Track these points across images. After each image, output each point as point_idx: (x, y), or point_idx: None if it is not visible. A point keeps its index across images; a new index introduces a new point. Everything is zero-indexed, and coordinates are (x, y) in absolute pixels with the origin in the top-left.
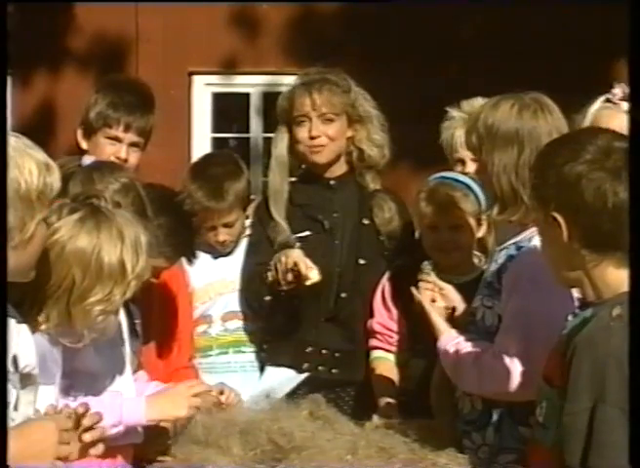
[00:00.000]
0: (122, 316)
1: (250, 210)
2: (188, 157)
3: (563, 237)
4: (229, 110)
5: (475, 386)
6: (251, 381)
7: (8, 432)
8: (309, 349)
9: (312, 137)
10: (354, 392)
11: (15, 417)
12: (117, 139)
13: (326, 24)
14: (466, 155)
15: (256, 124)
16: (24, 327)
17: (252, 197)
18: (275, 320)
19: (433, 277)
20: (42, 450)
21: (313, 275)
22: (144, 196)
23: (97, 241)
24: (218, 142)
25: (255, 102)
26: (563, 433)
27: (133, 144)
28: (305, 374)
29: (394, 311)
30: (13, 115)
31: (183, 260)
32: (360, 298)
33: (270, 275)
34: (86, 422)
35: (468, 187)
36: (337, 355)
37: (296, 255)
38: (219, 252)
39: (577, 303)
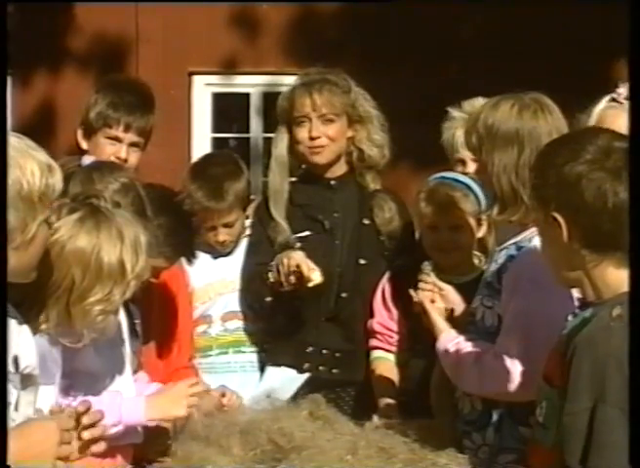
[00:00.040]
0: (122, 316)
1: (250, 210)
2: (188, 157)
3: (563, 237)
4: (229, 110)
5: (476, 386)
6: (251, 381)
7: (8, 432)
8: (310, 349)
9: (312, 138)
10: (354, 392)
11: (15, 418)
12: (117, 139)
13: (326, 24)
14: (467, 155)
15: (256, 124)
16: (26, 328)
17: (252, 197)
18: (276, 320)
19: (433, 277)
20: (43, 451)
21: (316, 277)
22: (144, 196)
23: (96, 241)
24: (218, 142)
25: (255, 102)
26: (563, 433)
27: (133, 144)
28: (306, 375)
29: (394, 311)
30: (13, 115)
31: (183, 260)
32: (360, 298)
33: (272, 276)
34: (85, 421)
35: (468, 187)
36: (337, 355)
37: (298, 257)
38: (218, 252)
39: (577, 303)
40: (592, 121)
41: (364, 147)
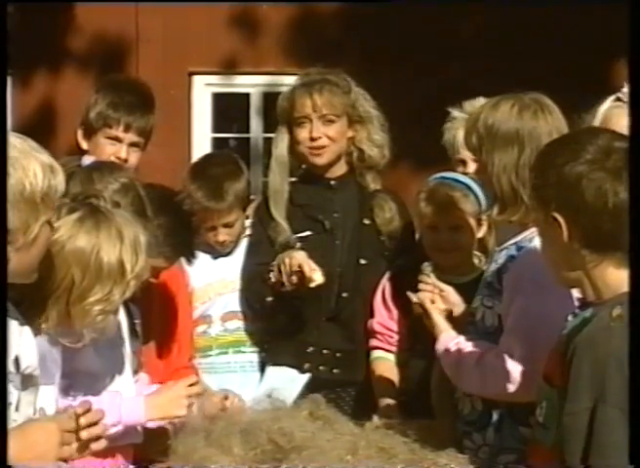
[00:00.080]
0: (122, 316)
1: (250, 210)
2: (188, 157)
3: (563, 237)
4: (229, 110)
5: (477, 387)
6: (251, 382)
7: (8, 433)
8: (310, 349)
9: (313, 139)
10: (355, 392)
11: (16, 418)
12: (117, 139)
13: (326, 24)
14: (468, 156)
15: (256, 124)
16: (27, 329)
17: (252, 197)
18: (276, 320)
19: (433, 278)
20: (44, 452)
21: (317, 277)
22: (144, 196)
23: (96, 241)
24: (218, 142)
25: (255, 102)
26: (563, 433)
27: (133, 144)
28: (308, 375)
29: (394, 311)
30: (13, 115)
31: (183, 260)
32: (361, 298)
33: (273, 276)
34: (84, 421)
35: (468, 187)
36: (338, 355)
37: (300, 257)
38: (218, 252)
39: (577, 303)
40: (597, 121)
41: (364, 147)
